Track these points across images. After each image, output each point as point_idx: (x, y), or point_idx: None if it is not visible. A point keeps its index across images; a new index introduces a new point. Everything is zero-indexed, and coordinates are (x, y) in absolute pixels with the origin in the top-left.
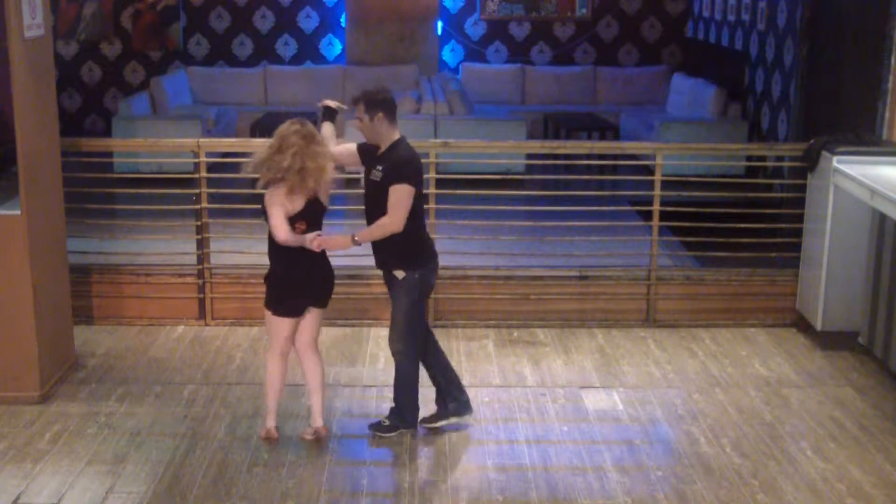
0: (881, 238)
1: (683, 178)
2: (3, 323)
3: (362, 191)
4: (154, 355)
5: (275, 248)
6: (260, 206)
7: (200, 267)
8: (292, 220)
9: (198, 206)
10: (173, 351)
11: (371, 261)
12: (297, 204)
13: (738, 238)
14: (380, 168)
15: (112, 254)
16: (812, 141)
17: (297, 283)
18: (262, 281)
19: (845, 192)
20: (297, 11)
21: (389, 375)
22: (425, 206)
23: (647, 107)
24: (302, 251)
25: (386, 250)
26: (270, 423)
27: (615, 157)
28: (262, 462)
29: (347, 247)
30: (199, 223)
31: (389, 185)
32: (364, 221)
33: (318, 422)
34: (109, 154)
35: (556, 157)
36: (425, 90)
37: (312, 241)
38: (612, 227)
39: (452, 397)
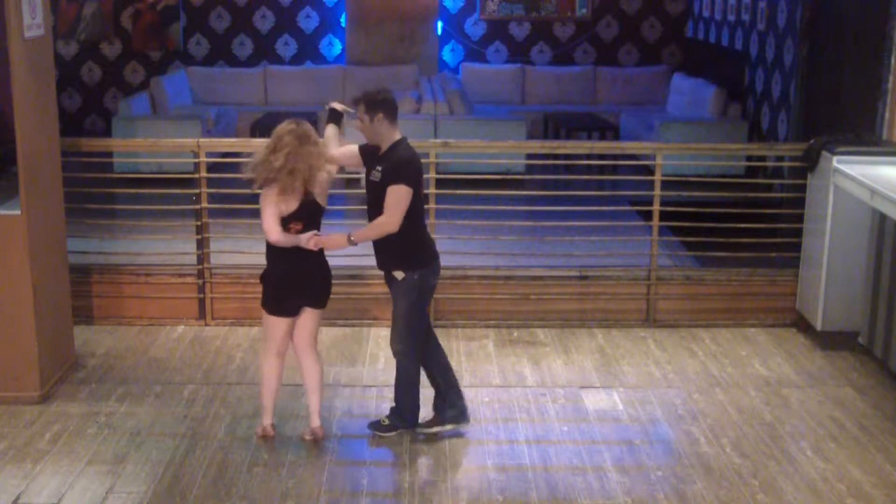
0: (881, 238)
1: (683, 178)
2: (3, 323)
3: (363, 191)
4: (154, 355)
5: (271, 247)
6: (259, 207)
7: (200, 267)
8: (287, 221)
9: (198, 206)
10: (173, 351)
11: (371, 261)
12: (291, 204)
13: (738, 238)
14: (379, 168)
15: (112, 254)
16: (812, 141)
17: (292, 282)
18: (259, 280)
19: (845, 192)
20: (297, 11)
21: (389, 375)
22: (425, 206)
23: (647, 107)
24: (298, 251)
25: (386, 250)
26: (267, 421)
27: (615, 157)
28: (262, 462)
29: (344, 246)
30: (199, 223)
31: (387, 186)
32: (365, 222)
33: (314, 422)
34: (109, 154)
35: (556, 157)
36: (425, 90)
37: (309, 240)
38: (612, 227)
39: (451, 403)
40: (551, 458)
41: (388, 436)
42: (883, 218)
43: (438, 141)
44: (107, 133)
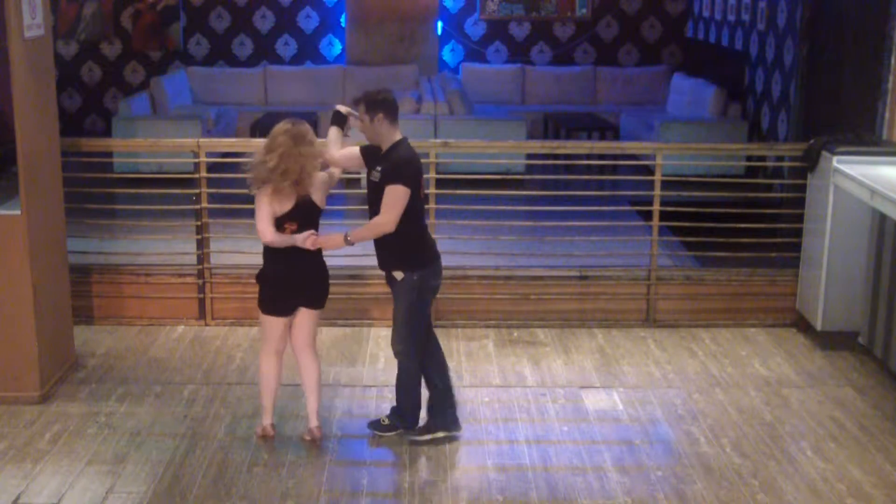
0: (881, 238)
1: (683, 178)
2: (3, 323)
3: (363, 191)
4: (154, 355)
5: (267, 247)
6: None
7: (200, 267)
8: (281, 221)
9: (198, 206)
10: (173, 351)
11: (371, 261)
12: (286, 205)
13: (738, 238)
14: (379, 169)
15: (112, 254)
16: (812, 141)
17: (287, 282)
18: (255, 280)
19: (845, 192)
20: (297, 11)
21: (389, 375)
22: (426, 206)
23: (647, 107)
24: (294, 251)
25: (386, 250)
26: (266, 420)
27: (615, 157)
28: (262, 462)
29: (340, 246)
30: (199, 223)
31: (386, 185)
32: (364, 222)
33: (312, 422)
34: (109, 154)
35: (556, 157)
36: (425, 90)
37: (306, 240)
38: (612, 227)
39: (440, 410)
40: (551, 458)
41: (387, 435)
42: (883, 218)
43: (438, 141)
44: (107, 133)
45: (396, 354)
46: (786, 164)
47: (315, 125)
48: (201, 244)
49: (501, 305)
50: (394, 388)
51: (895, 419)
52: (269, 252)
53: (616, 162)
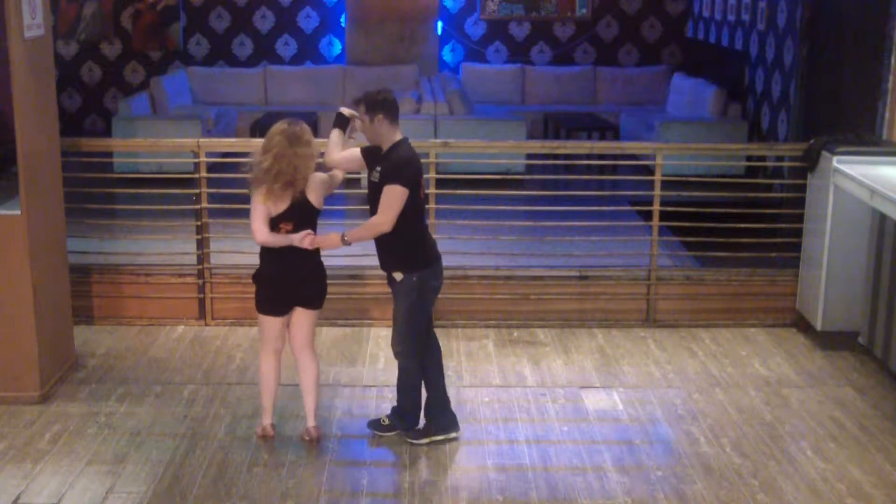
0: (881, 238)
1: (683, 178)
2: (3, 323)
3: (363, 191)
4: (154, 355)
5: (263, 247)
6: None
7: (200, 267)
8: (276, 221)
9: (198, 206)
10: (173, 351)
11: (370, 261)
12: (281, 205)
13: (738, 238)
14: (379, 169)
15: (112, 254)
16: (812, 141)
17: (283, 282)
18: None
19: (845, 192)
20: (297, 11)
21: (389, 375)
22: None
23: (647, 107)
24: (290, 251)
25: (386, 251)
26: (266, 420)
27: (615, 157)
28: (262, 462)
29: (337, 246)
30: (199, 223)
31: (384, 185)
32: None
33: (310, 421)
34: (109, 154)
35: (556, 157)
36: (425, 90)
37: (303, 239)
38: (612, 227)
39: (438, 412)
40: (551, 458)
41: (387, 435)
42: (883, 218)
43: (438, 141)
44: (107, 133)
45: (396, 355)
46: (786, 164)
47: (315, 125)
48: (201, 244)
49: (501, 305)
50: (394, 389)
51: (895, 419)
52: (266, 252)
53: (616, 162)
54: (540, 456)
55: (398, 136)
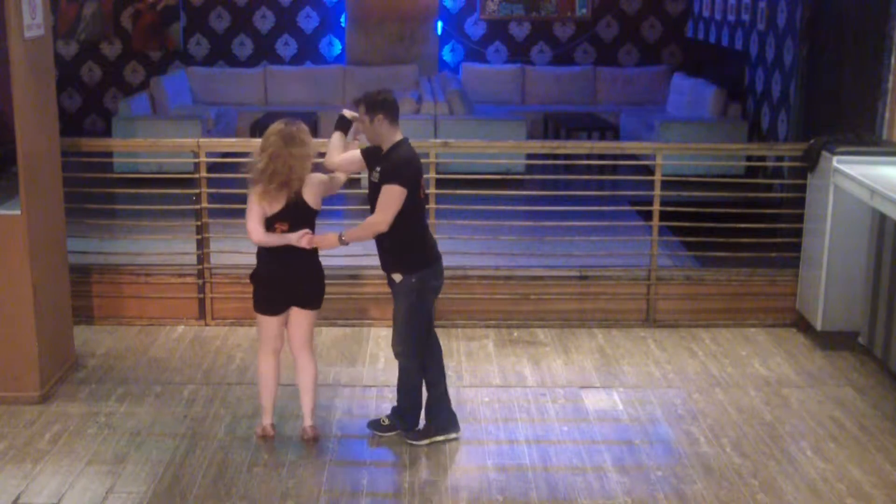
0: (881, 238)
1: (683, 178)
2: (3, 323)
3: (363, 191)
4: (154, 355)
5: (260, 247)
6: None
7: (200, 267)
8: (272, 221)
9: (198, 206)
10: (173, 351)
11: (370, 261)
12: (276, 205)
13: (738, 238)
14: (378, 169)
15: (112, 254)
16: (812, 141)
17: (279, 281)
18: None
19: (845, 192)
20: (297, 11)
21: (389, 375)
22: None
23: (647, 107)
24: (287, 251)
25: (386, 252)
26: (266, 420)
27: (615, 157)
28: (262, 462)
29: (335, 246)
30: (199, 223)
31: (382, 185)
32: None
33: (306, 421)
34: (109, 154)
35: (556, 157)
36: (425, 90)
37: (300, 238)
38: (612, 227)
39: (438, 412)
40: (551, 458)
41: (386, 435)
42: (883, 218)
43: (438, 141)
44: (107, 133)
45: (397, 355)
46: (786, 164)
47: (315, 125)
48: (201, 244)
49: (501, 305)
50: (394, 389)
51: (895, 419)
52: (263, 252)
53: (616, 162)
54: (540, 456)
55: (398, 137)
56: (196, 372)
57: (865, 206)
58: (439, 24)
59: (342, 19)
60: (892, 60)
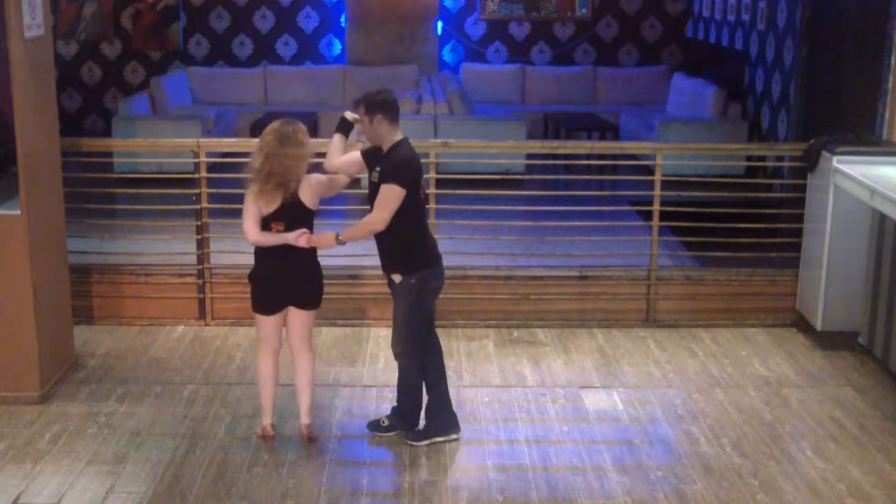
0: (881, 238)
1: (683, 178)
2: (3, 323)
3: (363, 191)
4: (154, 355)
5: (258, 246)
6: None
7: (200, 267)
8: (268, 221)
9: (198, 206)
10: (173, 351)
11: (369, 261)
12: (272, 205)
13: (738, 238)
14: (378, 169)
15: (112, 254)
16: (812, 141)
17: (276, 281)
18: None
19: (845, 192)
20: (297, 11)
21: (389, 375)
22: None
23: (647, 107)
24: (285, 250)
25: (385, 252)
26: (266, 420)
27: (615, 157)
28: (262, 462)
29: (332, 245)
30: (199, 223)
31: (381, 184)
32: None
33: (303, 419)
34: (109, 154)
35: (556, 157)
36: (425, 90)
37: (298, 237)
38: (612, 227)
39: (438, 413)
40: (551, 458)
41: (385, 436)
42: (883, 218)
43: (438, 141)
44: (107, 133)
45: (396, 356)
46: (786, 164)
47: (315, 125)
48: (201, 244)
49: (501, 305)
50: (394, 389)
51: (895, 419)
52: (260, 251)
53: (616, 162)
54: (540, 456)
55: (398, 137)
56: (196, 372)
57: (865, 206)
58: (439, 24)
59: (342, 19)
60: (892, 60)
